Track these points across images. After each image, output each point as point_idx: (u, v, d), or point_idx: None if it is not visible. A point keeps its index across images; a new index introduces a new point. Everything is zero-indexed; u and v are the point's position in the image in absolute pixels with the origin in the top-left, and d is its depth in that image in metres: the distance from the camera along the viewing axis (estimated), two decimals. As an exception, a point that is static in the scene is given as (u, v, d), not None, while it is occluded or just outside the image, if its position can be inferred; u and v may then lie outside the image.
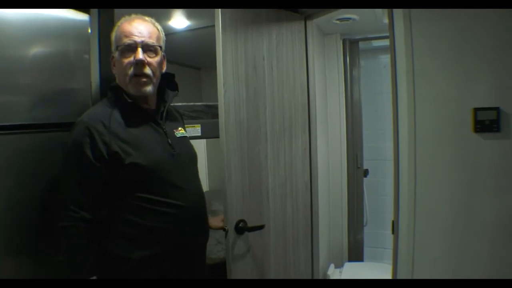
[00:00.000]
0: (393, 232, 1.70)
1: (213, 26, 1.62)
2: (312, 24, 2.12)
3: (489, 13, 1.43)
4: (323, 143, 2.64)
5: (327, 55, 2.86)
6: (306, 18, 2.07)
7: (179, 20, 2.19)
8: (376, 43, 3.11)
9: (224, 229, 1.69)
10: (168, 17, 2.10)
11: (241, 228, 1.72)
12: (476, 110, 1.45)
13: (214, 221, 1.68)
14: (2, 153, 1.23)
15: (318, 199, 2.23)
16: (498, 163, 1.45)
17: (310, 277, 2.18)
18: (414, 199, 1.61)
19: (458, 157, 1.52)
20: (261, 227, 1.78)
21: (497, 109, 1.42)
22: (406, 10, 1.59)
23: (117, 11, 1.62)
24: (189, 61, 3.18)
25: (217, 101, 1.67)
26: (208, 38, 1.75)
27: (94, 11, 1.56)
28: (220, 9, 1.62)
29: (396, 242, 1.68)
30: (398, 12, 1.62)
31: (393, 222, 1.69)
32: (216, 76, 1.64)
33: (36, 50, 1.35)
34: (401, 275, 1.68)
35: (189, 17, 2.17)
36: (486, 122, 1.43)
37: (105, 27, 1.54)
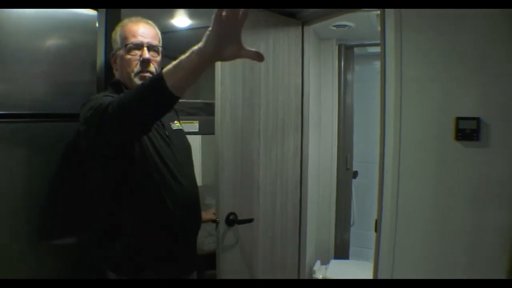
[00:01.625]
0: (376, 231, 1.79)
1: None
2: (310, 29, 2.21)
3: (476, 27, 1.52)
4: (315, 144, 2.73)
5: (322, 59, 2.95)
6: (304, 23, 2.16)
7: (182, 19, 2.27)
8: (371, 50, 3.21)
9: (214, 221, 1.77)
10: (171, 16, 2.18)
11: (232, 220, 1.81)
12: (458, 119, 1.54)
13: (206, 214, 1.77)
14: (12, 139, 1.31)
15: (307, 197, 2.32)
16: (476, 170, 1.54)
17: (296, 272, 2.28)
18: (397, 200, 1.70)
19: (440, 162, 1.61)
20: (250, 221, 1.87)
21: (477, 119, 1.51)
22: (398, 19, 1.67)
23: (123, 9, 1.69)
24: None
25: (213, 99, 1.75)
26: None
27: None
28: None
29: (378, 240, 1.77)
30: (390, 22, 1.70)
31: (376, 221, 1.79)
32: (214, 73, 1.73)
33: (46, 42, 1.42)
34: (382, 272, 1.77)
35: (191, 16, 2.25)
36: (467, 131, 1.52)
37: (111, 22, 1.62)
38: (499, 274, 1.48)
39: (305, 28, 2.18)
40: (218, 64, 1.73)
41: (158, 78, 0.98)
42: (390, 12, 1.70)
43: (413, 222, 1.70)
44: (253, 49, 0.94)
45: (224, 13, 0.85)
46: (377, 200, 1.79)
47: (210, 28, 0.88)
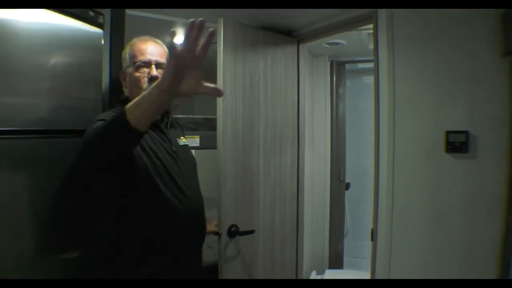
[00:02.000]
0: (372, 239, 1.86)
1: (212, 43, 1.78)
2: (304, 47, 2.31)
3: (465, 46, 1.63)
4: (309, 157, 2.81)
5: (315, 75, 3.06)
6: (299, 41, 2.26)
7: (179, 37, 2.34)
8: (361, 65, 3.34)
9: (216, 233, 1.83)
10: (173, 35, 2.24)
11: (233, 232, 1.87)
12: (448, 132, 1.64)
13: (208, 226, 1.82)
14: (16, 156, 1.30)
15: (303, 209, 2.39)
16: (466, 180, 1.64)
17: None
18: (392, 210, 1.78)
19: (431, 173, 1.70)
20: (251, 232, 1.93)
21: (466, 132, 1.61)
22: (390, 38, 1.77)
23: (128, 28, 1.76)
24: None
25: (211, 114, 1.82)
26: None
27: (107, 26, 1.69)
28: (222, 31, 1.80)
29: (375, 249, 1.84)
30: (382, 39, 1.80)
31: (372, 230, 1.86)
32: None
33: (51, 59, 1.44)
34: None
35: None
36: (457, 144, 1.61)
37: (117, 40, 1.68)
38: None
39: (300, 46, 2.28)
40: (220, 79, 1.81)
41: (120, 113, 1.02)
42: (382, 31, 1.80)
43: (408, 232, 1.77)
44: (212, 85, 0.97)
45: (179, 49, 0.88)
46: (373, 210, 1.86)
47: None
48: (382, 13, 1.79)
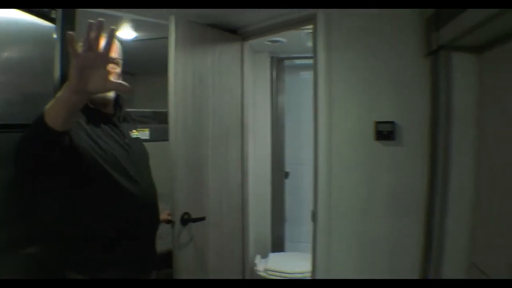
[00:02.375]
0: (313, 220, 2.06)
1: (157, 38, 1.82)
2: (247, 44, 2.45)
3: (390, 47, 1.87)
4: (252, 148, 2.96)
5: (257, 70, 3.22)
6: (243, 39, 2.39)
7: (127, 32, 2.37)
8: (299, 62, 3.54)
9: (169, 222, 1.91)
10: (117, 29, 2.26)
11: (186, 219, 1.97)
12: (377, 123, 1.88)
13: (161, 215, 1.90)
14: None
15: (248, 196, 2.54)
16: (392, 162, 1.90)
17: (241, 265, 2.49)
18: (329, 193, 1.99)
19: (364, 158, 1.94)
20: (202, 219, 2.04)
21: (392, 122, 1.85)
22: (327, 37, 1.96)
23: (81, 22, 1.76)
24: (126, 67, 3.30)
25: (152, 108, 1.89)
26: (149, 48, 1.92)
27: (59, 21, 1.69)
28: (173, 28, 1.88)
29: (315, 228, 2.04)
30: (320, 39, 1.98)
31: (313, 212, 2.06)
32: (150, 82, 1.87)
33: (1, 53, 1.40)
34: (319, 258, 2.03)
35: (136, 28, 2.36)
36: (385, 133, 1.86)
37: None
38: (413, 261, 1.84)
39: (244, 43, 2.41)
40: (171, 75, 1.89)
41: (40, 114, 1.06)
42: (320, 31, 1.98)
43: (344, 211, 1.99)
44: (118, 81, 1.03)
45: (80, 50, 0.93)
46: (313, 194, 2.06)
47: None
48: (321, 15, 1.97)
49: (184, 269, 1.98)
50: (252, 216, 3.01)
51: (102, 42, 0.96)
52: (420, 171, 1.84)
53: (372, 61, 1.92)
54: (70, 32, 0.92)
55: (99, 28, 0.92)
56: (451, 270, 1.80)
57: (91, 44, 0.92)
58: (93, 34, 0.92)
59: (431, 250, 1.82)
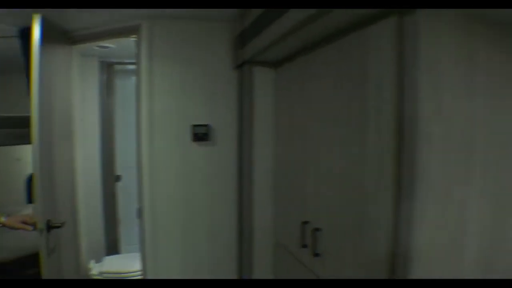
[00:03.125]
0: (139, 217, 2.22)
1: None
2: (77, 48, 2.46)
3: (204, 61, 2.17)
4: (82, 151, 2.95)
5: (86, 74, 3.20)
6: (72, 43, 2.39)
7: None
8: (131, 67, 3.62)
9: (29, 228, 1.82)
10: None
11: (49, 226, 1.85)
12: (193, 126, 2.14)
13: (13, 220, 1.81)
14: None
15: (77, 200, 2.55)
16: (208, 160, 2.20)
17: (77, 270, 2.48)
18: (153, 189, 2.18)
19: (182, 157, 2.19)
20: (62, 225, 1.97)
21: (207, 125, 2.15)
22: (150, 48, 2.14)
23: None
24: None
25: None
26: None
27: None
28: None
29: (143, 224, 2.20)
30: (143, 49, 2.16)
31: (138, 208, 2.22)
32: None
33: None
34: (148, 251, 2.20)
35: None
36: (200, 135, 2.13)
37: None
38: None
39: (74, 47, 2.42)
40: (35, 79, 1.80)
41: None
42: (144, 41, 2.16)
43: (167, 206, 2.21)
44: None
45: None
46: (138, 191, 2.22)
47: None
48: (145, 26, 2.15)
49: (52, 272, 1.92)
50: (84, 221, 2.99)
51: None
52: (231, 165, 2.19)
53: (190, 70, 2.18)
54: None
55: None
56: (261, 247, 2.18)
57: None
58: None
59: (243, 231, 2.19)
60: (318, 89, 1.60)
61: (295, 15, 1.36)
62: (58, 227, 1.98)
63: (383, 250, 1.17)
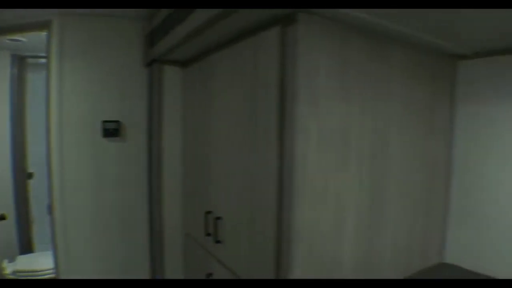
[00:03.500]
0: (49, 213, 2.21)
1: None
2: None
3: (121, 58, 2.20)
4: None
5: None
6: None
7: None
8: (44, 60, 3.51)
9: None
10: None
11: None
12: (104, 122, 2.18)
13: None
14: None
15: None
16: (118, 157, 2.24)
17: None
18: (63, 186, 2.18)
19: (94, 153, 2.22)
20: None
21: (117, 122, 2.19)
22: (60, 44, 2.13)
23: None
24: None
25: None
26: None
27: None
28: None
29: (53, 220, 2.20)
30: (54, 45, 2.14)
31: (48, 205, 2.21)
32: None
33: None
34: (60, 245, 2.19)
35: None
36: (110, 130, 2.18)
37: None
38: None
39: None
40: None
41: None
42: (55, 37, 2.14)
43: (77, 201, 2.22)
44: None
45: None
46: (48, 189, 2.21)
47: None
48: (56, 22, 2.13)
49: None
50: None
51: None
52: (142, 161, 2.26)
53: (101, 67, 2.21)
54: None
55: None
56: (172, 238, 2.27)
57: None
58: None
59: (153, 224, 2.27)
60: (218, 89, 1.73)
61: (198, 17, 1.46)
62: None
63: (271, 234, 1.33)
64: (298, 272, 1.26)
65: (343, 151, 1.34)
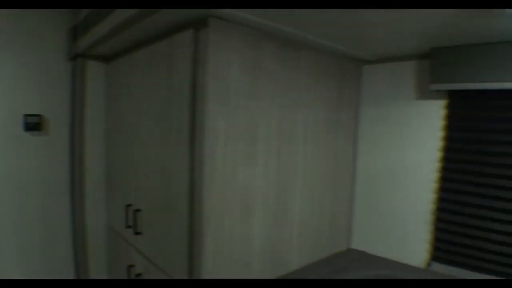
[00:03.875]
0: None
1: None
2: None
3: (44, 51, 2.15)
4: None
5: None
6: None
7: None
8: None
9: None
10: None
11: None
12: (25, 115, 2.14)
13: None
14: None
15: None
16: (40, 149, 2.20)
17: None
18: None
19: (14, 147, 2.16)
20: None
21: (39, 115, 2.16)
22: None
23: None
24: None
25: None
26: None
27: None
28: None
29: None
30: None
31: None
32: None
33: None
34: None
35: None
36: (32, 124, 2.14)
37: None
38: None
39: None
40: None
41: None
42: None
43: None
44: None
45: None
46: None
47: None
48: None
49: None
50: None
51: None
52: (65, 156, 2.25)
53: (24, 60, 2.14)
54: None
55: None
56: (95, 232, 2.29)
57: None
58: None
59: (75, 217, 2.26)
60: (139, 86, 1.79)
61: (117, 16, 1.50)
62: None
63: (184, 223, 1.42)
64: (209, 259, 1.36)
65: (251, 146, 1.46)
